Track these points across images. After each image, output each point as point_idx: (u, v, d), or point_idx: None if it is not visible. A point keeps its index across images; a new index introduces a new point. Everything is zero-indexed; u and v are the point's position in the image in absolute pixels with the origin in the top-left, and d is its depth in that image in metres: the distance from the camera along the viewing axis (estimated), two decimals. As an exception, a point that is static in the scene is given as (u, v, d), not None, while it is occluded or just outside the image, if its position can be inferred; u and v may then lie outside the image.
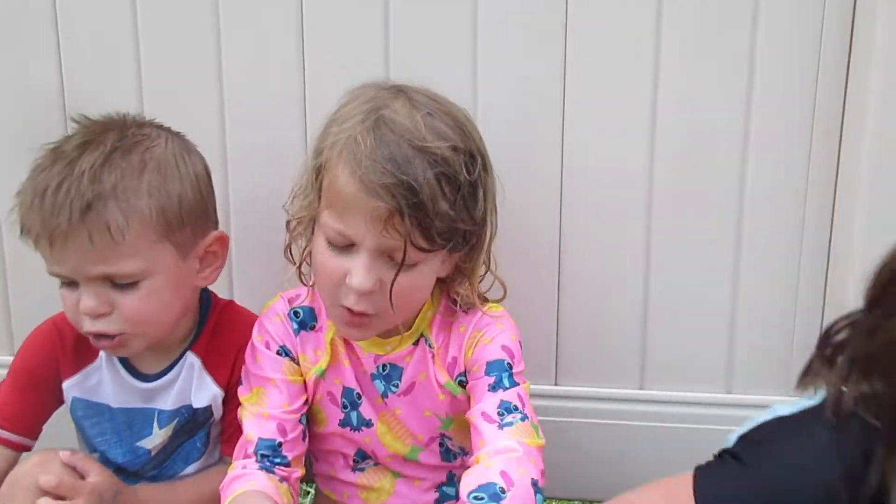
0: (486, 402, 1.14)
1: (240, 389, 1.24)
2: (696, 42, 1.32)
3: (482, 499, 1.03)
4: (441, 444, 1.25)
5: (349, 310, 1.12)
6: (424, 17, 1.35)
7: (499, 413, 1.12)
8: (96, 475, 1.18)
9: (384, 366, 1.22)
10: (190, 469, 1.30)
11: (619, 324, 1.45)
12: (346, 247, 1.11)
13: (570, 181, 1.39)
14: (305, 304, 1.24)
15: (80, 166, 1.12)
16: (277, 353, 1.22)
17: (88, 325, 1.17)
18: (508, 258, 1.26)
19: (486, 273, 1.22)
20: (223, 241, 1.24)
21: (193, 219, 1.19)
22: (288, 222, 1.20)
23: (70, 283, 1.16)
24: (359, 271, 1.09)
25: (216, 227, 1.25)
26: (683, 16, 1.31)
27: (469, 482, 1.05)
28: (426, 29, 1.35)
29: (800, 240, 1.38)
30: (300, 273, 1.22)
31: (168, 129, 1.23)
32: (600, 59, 1.34)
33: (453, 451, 1.26)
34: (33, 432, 1.28)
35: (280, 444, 1.19)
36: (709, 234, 1.39)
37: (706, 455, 1.22)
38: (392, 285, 1.10)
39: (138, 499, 1.23)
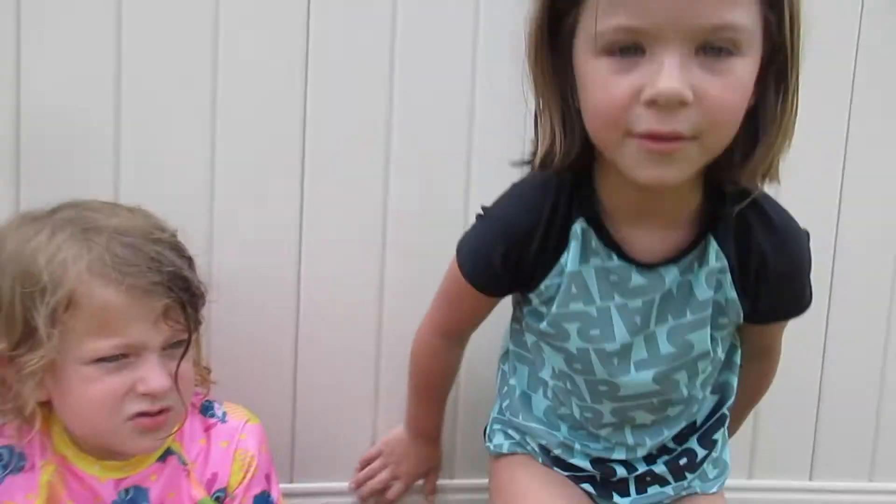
0: None
1: None
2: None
3: None
4: (187, 562, 1.17)
5: (146, 414, 1.07)
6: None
7: None
8: None
9: (127, 490, 1.12)
10: None
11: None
12: (118, 361, 1.06)
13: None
14: (8, 443, 1.12)
15: None
16: None
17: None
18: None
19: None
20: None
21: None
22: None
23: None
24: (154, 373, 1.07)
25: None
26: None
27: None
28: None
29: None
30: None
31: None
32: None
33: (201, 568, 1.18)
34: None
35: None
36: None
37: None
38: (177, 375, 1.09)
39: None
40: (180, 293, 1.08)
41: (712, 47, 0.89)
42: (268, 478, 1.20)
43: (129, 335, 1.05)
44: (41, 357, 1.04)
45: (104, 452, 1.12)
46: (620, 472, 1.18)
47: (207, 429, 1.17)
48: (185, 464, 1.14)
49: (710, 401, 1.20)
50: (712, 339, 1.10)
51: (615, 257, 1.06)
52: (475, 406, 1.43)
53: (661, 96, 0.87)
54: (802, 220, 1.10)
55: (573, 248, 1.06)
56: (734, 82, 0.90)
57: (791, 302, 1.14)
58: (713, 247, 1.05)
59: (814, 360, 1.51)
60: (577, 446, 1.19)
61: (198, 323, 1.13)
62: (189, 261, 1.13)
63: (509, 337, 1.27)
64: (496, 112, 1.35)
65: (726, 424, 1.22)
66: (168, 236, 1.12)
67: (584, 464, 1.19)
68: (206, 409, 1.19)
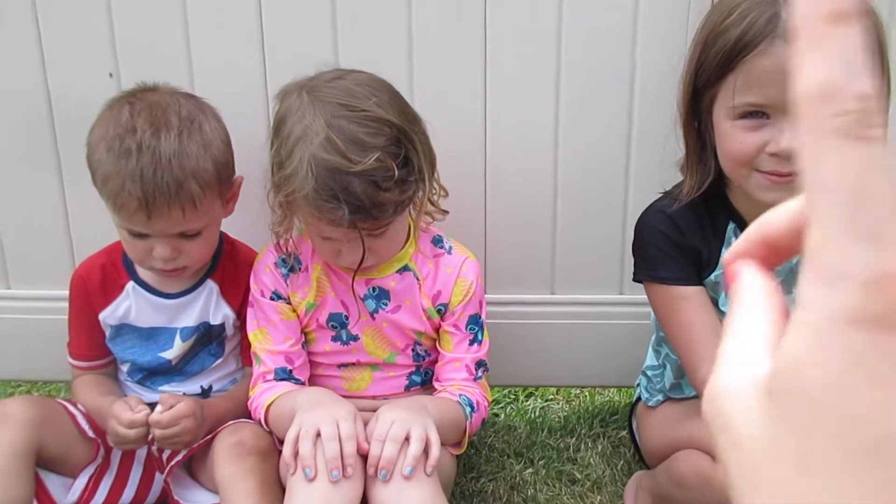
0: (467, 355, 1.53)
1: (248, 326, 1.52)
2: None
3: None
4: (413, 350, 1.57)
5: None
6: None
7: (476, 367, 1.54)
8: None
9: (374, 288, 1.51)
10: (208, 368, 1.59)
11: (535, 240, 1.77)
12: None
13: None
14: (291, 251, 1.52)
15: (164, 154, 1.36)
16: (271, 298, 1.51)
17: (160, 265, 1.44)
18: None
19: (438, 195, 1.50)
20: (240, 182, 1.54)
21: (229, 174, 1.49)
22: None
23: (141, 235, 1.42)
24: (349, 256, 1.42)
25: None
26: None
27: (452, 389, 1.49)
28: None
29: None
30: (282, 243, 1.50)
31: (194, 98, 1.48)
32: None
33: (422, 354, 1.58)
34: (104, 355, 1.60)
35: (291, 371, 1.50)
36: (607, 160, 1.71)
37: (604, 346, 1.72)
38: (363, 257, 1.40)
39: (213, 406, 1.53)
40: (353, 219, 1.32)
41: None
42: (480, 304, 1.54)
43: (328, 234, 1.39)
44: (279, 217, 1.43)
45: None
46: None
47: (436, 256, 1.53)
48: (417, 279, 1.52)
49: None
50: None
51: None
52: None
53: (783, 152, 1.27)
54: None
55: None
56: None
57: None
58: None
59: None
60: None
61: (386, 220, 1.36)
62: (387, 178, 1.31)
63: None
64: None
65: None
66: (370, 161, 1.29)
67: None
68: (437, 241, 1.55)
